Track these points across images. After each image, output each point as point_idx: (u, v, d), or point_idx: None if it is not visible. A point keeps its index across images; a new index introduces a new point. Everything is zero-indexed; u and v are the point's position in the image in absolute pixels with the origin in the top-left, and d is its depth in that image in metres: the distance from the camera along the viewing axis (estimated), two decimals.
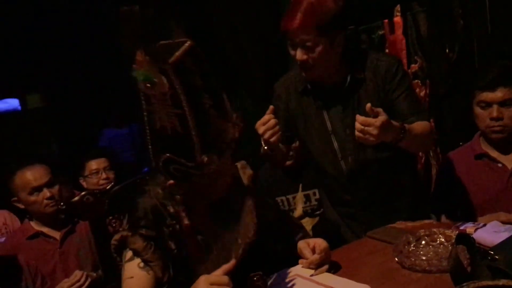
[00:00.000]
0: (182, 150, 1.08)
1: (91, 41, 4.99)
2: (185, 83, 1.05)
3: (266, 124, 1.43)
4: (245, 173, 1.33)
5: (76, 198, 1.81)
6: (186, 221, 1.17)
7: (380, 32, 2.59)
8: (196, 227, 1.20)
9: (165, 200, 1.19)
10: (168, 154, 1.08)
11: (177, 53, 1.05)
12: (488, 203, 1.76)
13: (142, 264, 1.14)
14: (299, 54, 1.55)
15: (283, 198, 2.18)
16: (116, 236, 1.20)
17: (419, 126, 1.57)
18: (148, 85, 1.06)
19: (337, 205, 1.77)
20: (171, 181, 1.12)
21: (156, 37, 1.08)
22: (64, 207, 1.80)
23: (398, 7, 2.43)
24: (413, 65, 2.35)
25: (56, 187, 1.93)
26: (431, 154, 2.30)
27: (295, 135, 1.75)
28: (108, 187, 1.92)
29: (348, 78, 1.62)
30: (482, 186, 1.79)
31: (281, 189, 2.17)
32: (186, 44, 1.07)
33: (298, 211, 2.16)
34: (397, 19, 2.42)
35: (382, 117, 1.36)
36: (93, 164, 2.39)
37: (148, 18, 1.04)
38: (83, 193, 1.86)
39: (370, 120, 1.36)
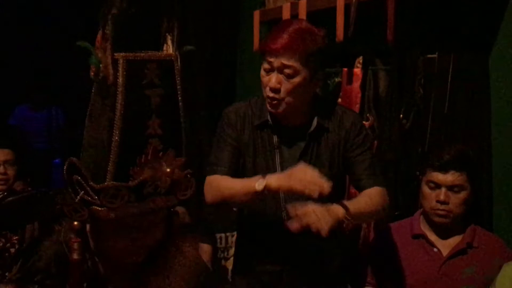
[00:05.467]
0: (97, 170, 0.93)
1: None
2: (134, 89, 0.86)
3: None
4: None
5: None
6: (76, 256, 0.98)
7: (337, 79, 2.49)
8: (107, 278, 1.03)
9: None
10: (75, 160, 0.90)
11: (144, 54, 0.88)
12: (417, 286, 1.72)
13: None
14: (274, 81, 1.44)
15: (222, 235, 2.23)
16: None
17: (368, 200, 1.50)
18: (93, 69, 0.91)
19: (261, 262, 1.61)
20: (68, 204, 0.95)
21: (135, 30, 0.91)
22: None
23: (360, 59, 2.34)
24: (364, 122, 2.27)
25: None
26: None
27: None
28: None
29: (315, 123, 1.54)
30: (414, 268, 1.75)
31: (222, 225, 2.23)
32: (164, 53, 0.90)
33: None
34: (357, 70, 2.33)
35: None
36: None
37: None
38: None
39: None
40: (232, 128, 1.57)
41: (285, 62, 1.42)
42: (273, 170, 1.54)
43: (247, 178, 1.48)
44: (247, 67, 3.03)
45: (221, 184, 1.48)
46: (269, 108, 1.50)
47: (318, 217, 1.28)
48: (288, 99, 1.46)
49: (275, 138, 1.55)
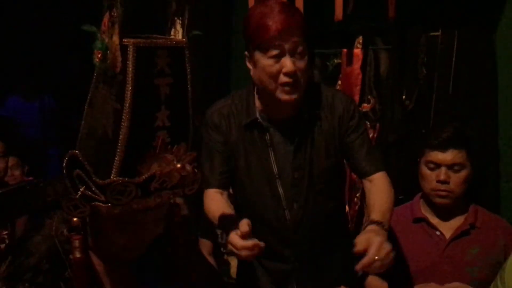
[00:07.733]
0: (99, 162, 0.85)
1: None
2: (143, 78, 0.82)
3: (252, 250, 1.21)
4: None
5: None
6: (78, 254, 0.91)
7: (336, 61, 2.41)
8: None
9: (68, 245, 0.94)
10: (76, 153, 0.86)
11: (155, 41, 0.83)
12: (421, 272, 1.66)
13: None
14: (290, 64, 1.32)
15: None
16: None
17: (387, 196, 1.42)
18: (99, 55, 0.83)
19: (268, 259, 1.55)
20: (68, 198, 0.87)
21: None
22: None
23: (360, 39, 2.26)
24: (365, 105, 2.20)
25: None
26: (366, 204, 2.17)
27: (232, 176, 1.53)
28: None
29: (306, 114, 1.44)
30: (417, 253, 1.69)
31: None
32: (174, 39, 0.85)
33: None
34: (357, 51, 2.26)
35: (375, 246, 1.17)
36: None
37: None
38: None
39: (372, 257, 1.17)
40: (217, 131, 1.47)
41: (297, 39, 1.32)
42: (269, 169, 1.46)
43: (224, 210, 1.39)
44: (243, 48, 2.93)
45: (206, 205, 1.46)
46: (285, 96, 1.36)
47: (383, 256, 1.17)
48: (303, 80, 1.36)
49: (267, 137, 1.45)
